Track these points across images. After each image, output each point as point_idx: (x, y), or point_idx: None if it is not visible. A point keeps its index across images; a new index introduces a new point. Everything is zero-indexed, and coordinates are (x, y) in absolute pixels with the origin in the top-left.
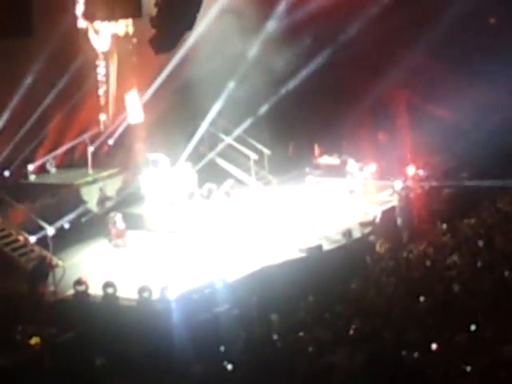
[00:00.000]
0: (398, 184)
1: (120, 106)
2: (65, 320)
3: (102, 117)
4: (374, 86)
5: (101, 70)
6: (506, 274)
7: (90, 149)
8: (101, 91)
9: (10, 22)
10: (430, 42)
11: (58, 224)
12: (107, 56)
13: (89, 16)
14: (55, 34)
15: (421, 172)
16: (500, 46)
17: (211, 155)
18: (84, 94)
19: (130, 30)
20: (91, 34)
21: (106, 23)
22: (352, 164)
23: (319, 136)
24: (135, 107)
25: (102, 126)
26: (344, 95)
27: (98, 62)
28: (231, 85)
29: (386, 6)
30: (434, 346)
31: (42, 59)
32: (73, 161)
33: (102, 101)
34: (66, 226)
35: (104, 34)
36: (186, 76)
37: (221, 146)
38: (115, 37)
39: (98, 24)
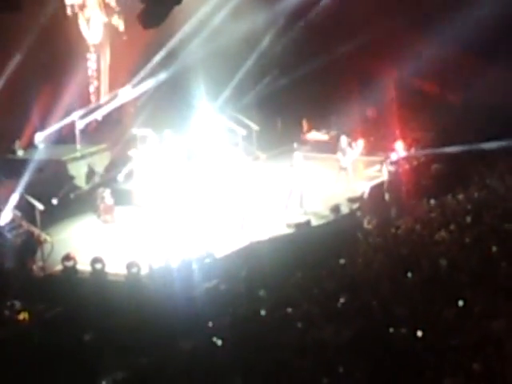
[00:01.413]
0: (386, 160)
1: (111, 81)
2: (53, 295)
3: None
4: (362, 62)
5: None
6: (494, 249)
7: (79, 124)
8: (91, 67)
9: None
10: (418, 15)
11: (46, 200)
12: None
13: None
14: (45, 9)
15: (409, 148)
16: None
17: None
18: (74, 69)
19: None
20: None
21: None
22: (344, 140)
23: (307, 111)
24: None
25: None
26: (333, 71)
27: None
28: (221, 60)
29: None
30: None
31: (31, 34)
32: (61, 136)
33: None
34: (54, 201)
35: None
36: (176, 54)
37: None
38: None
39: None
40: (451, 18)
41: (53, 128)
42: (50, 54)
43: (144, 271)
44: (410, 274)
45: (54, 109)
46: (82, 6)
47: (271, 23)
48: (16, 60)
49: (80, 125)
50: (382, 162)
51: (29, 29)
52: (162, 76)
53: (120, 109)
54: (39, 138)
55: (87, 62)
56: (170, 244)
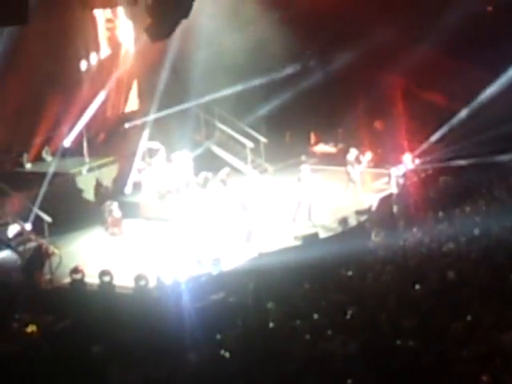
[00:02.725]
0: (395, 172)
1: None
2: (61, 308)
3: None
4: (370, 74)
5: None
6: (502, 261)
7: (86, 137)
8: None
9: (4, 9)
10: (427, 29)
11: (54, 212)
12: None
13: None
14: (52, 22)
15: (417, 160)
16: (498, 33)
17: (207, 143)
18: (80, 83)
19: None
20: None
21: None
22: (353, 153)
23: (315, 124)
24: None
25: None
26: (340, 83)
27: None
28: (229, 74)
29: None
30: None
31: (39, 46)
32: (69, 149)
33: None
34: (62, 214)
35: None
36: (183, 64)
37: (217, 135)
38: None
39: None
40: (458, 30)
41: (60, 140)
42: (59, 66)
43: (152, 284)
44: (417, 286)
45: (63, 122)
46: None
47: (279, 36)
48: (24, 72)
49: (88, 137)
50: (389, 175)
51: (36, 41)
52: (170, 89)
53: (127, 121)
54: (47, 150)
55: (96, 75)
56: (178, 257)
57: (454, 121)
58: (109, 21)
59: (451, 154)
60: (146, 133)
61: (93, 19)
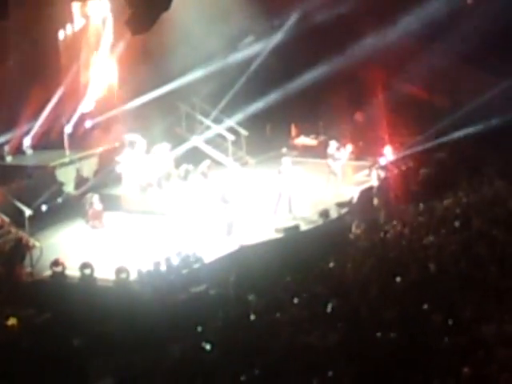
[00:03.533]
0: (375, 164)
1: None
2: (42, 301)
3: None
4: (350, 67)
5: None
6: (483, 253)
7: (67, 130)
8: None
9: None
10: (407, 20)
11: (35, 205)
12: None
13: None
14: (31, 13)
15: (397, 152)
16: (478, 24)
17: (188, 136)
18: (61, 75)
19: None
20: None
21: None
22: (333, 146)
23: (296, 117)
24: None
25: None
26: (321, 76)
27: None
28: (210, 66)
29: None
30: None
31: (19, 39)
32: (49, 142)
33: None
34: (43, 207)
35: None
36: (163, 56)
37: (198, 128)
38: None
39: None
40: (441, 25)
41: (41, 133)
42: (39, 59)
43: (133, 276)
44: (398, 279)
45: (43, 114)
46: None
47: (260, 29)
48: (2, 63)
49: (68, 130)
50: (370, 167)
51: (16, 33)
52: (151, 82)
53: (108, 114)
54: (27, 143)
55: (77, 67)
56: (158, 249)
57: (435, 113)
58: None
59: (431, 146)
60: (126, 125)
61: (70, 11)
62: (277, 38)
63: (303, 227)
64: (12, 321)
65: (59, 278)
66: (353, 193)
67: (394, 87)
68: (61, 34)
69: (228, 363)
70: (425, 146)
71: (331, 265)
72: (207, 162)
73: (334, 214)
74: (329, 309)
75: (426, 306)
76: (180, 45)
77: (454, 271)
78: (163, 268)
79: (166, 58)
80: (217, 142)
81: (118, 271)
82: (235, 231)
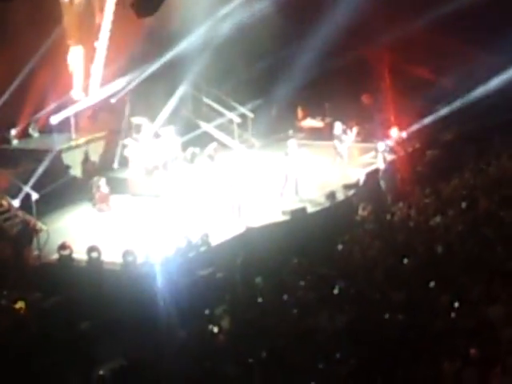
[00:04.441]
0: (382, 146)
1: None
2: (49, 284)
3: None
4: (357, 48)
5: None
6: (490, 234)
7: (73, 113)
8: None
9: None
10: (414, 2)
11: (42, 189)
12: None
13: None
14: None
15: (404, 134)
16: (490, 10)
17: (194, 119)
18: (65, 58)
19: None
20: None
21: None
22: (339, 127)
23: (302, 99)
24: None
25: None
26: (327, 57)
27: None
28: (215, 48)
29: None
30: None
31: (23, 22)
32: (56, 125)
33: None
34: (50, 190)
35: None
36: (170, 39)
37: (204, 110)
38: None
39: None
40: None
41: (47, 117)
42: (44, 42)
43: (140, 260)
44: (405, 260)
45: (49, 98)
46: None
47: (266, 9)
48: (8, 45)
49: (75, 113)
50: (376, 149)
51: (20, 16)
52: (157, 65)
53: (115, 97)
54: (34, 127)
55: (81, 50)
56: (165, 232)
57: (441, 95)
58: None
59: (438, 127)
60: (132, 108)
61: None
62: (285, 19)
63: (310, 209)
64: (20, 304)
65: (66, 261)
66: (359, 175)
67: (401, 69)
68: (66, 17)
69: (235, 346)
70: (431, 128)
71: (338, 247)
72: (214, 144)
73: (340, 196)
74: (336, 291)
75: (433, 288)
76: (185, 27)
77: (460, 252)
78: (170, 251)
79: (172, 40)
80: (223, 124)
81: (125, 254)
82: (242, 214)
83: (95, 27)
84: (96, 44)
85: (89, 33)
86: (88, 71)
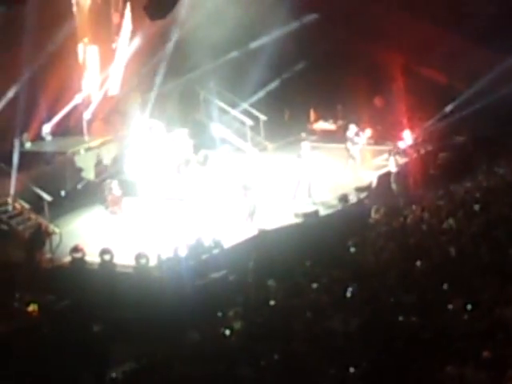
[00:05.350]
0: (394, 149)
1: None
2: (62, 287)
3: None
4: (369, 51)
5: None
6: (502, 236)
7: (86, 116)
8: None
9: None
10: (426, 5)
11: (55, 192)
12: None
13: None
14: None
15: (416, 137)
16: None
17: (207, 122)
18: (77, 61)
19: None
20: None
21: None
22: (352, 130)
23: (315, 101)
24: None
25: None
26: (340, 60)
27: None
28: (228, 51)
29: None
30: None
31: (34, 26)
32: (68, 128)
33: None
34: (63, 193)
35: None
36: (182, 42)
37: (216, 113)
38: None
39: None
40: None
41: (60, 120)
42: (58, 44)
43: (152, 262)
44: (418, 263)
45: (61, 101)
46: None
47: (277, 12)
48: (21, 52)
49: (87, 116)
50: (389, 151)
51: (32, 20)
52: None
53: (126, 100)
54: (46, 130)
55: (93, 54)
56: (177, 235)
57: (454, 97)
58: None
59: (451, 130)
60: (145, 111)
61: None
62: (298, 22)
63: (322, 212)
64: (32, 307)
65: (79, 264)
66: (372, 177)
67: (413, 71)
68: (79, 20)
69: (248, 348)
70: (444, 130)
71: (351, 249)
72: (226, 147)
73: (353, 199)
74: (349, 294)
75: (446, 290)
76: (198, 30)
77: (473, 255)
78: (183, 254)
79: (184, 43)
80: (235, 127)
81: (138, 257)
82: (255, 216)
83: (112, 27)
84: (113, 45)
85: (105, 33)
86: (102, 72)
